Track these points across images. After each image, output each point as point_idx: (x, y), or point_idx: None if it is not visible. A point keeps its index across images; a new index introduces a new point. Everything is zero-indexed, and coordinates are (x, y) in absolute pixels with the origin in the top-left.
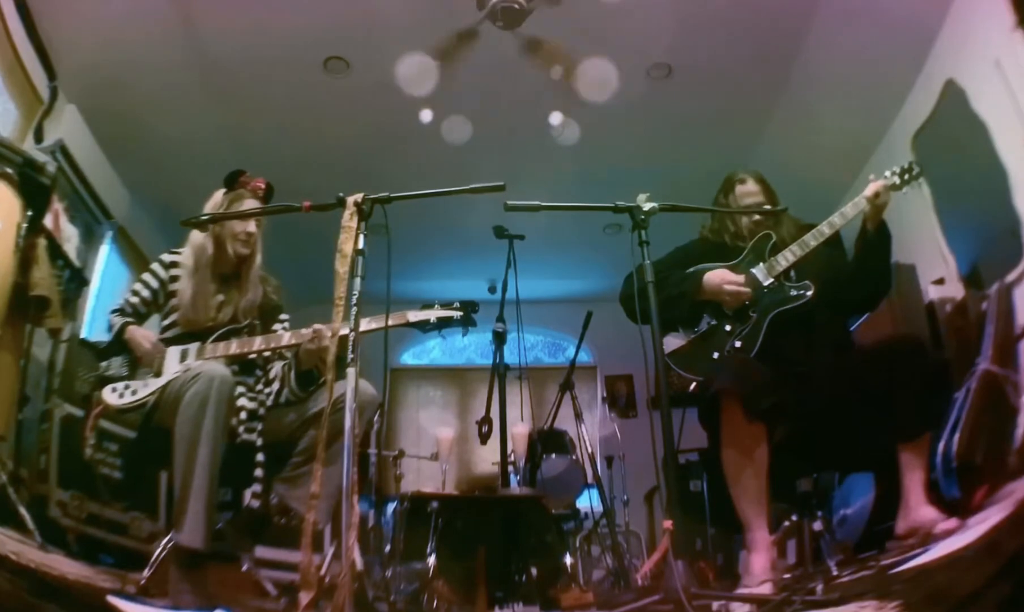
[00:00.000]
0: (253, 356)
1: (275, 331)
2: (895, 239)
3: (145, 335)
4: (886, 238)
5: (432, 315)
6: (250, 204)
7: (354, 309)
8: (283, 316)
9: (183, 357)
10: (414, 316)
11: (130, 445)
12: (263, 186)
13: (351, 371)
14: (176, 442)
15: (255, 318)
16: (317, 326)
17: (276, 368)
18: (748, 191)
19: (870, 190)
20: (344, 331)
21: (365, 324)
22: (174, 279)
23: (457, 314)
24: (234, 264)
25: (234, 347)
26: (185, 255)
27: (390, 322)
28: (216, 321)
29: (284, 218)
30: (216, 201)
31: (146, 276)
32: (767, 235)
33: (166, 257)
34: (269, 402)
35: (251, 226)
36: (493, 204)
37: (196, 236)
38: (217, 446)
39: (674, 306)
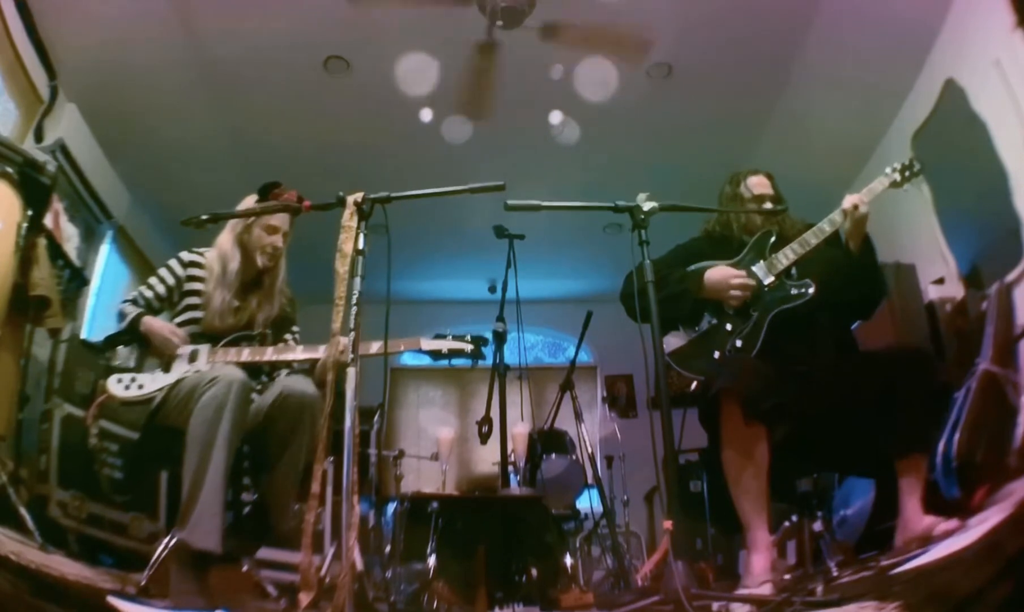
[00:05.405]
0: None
1: (285, 340)
2: (896, 239)
3: (169, 327)
4: (870, 252)
5: (444, 346)
6: (280, 219)
7: (354, 309)
8: (294, 327)
9: (192, 357)
10: (427, 344)
11: (132, 442)
12: (295, 198)
13: (351, 371)
14: (189, 443)
15: (268, 327)
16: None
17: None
18: (759, 182)
19: (847, 203)
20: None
21: (376, 347)
22: (191, 279)
23: (468, 347)
24: (256, 272)
25: (246, 354)
26: (211, 261)
27: (403, 346)
28: (231, 326)
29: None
30: (244, 208)
31: (163, 272)
32: (768, 232)
33: (185, 256)
34: None
35: (279, 241)
36: (493, 204)
37: (223, 243)
38: (231, 450)
39: (675, 304)
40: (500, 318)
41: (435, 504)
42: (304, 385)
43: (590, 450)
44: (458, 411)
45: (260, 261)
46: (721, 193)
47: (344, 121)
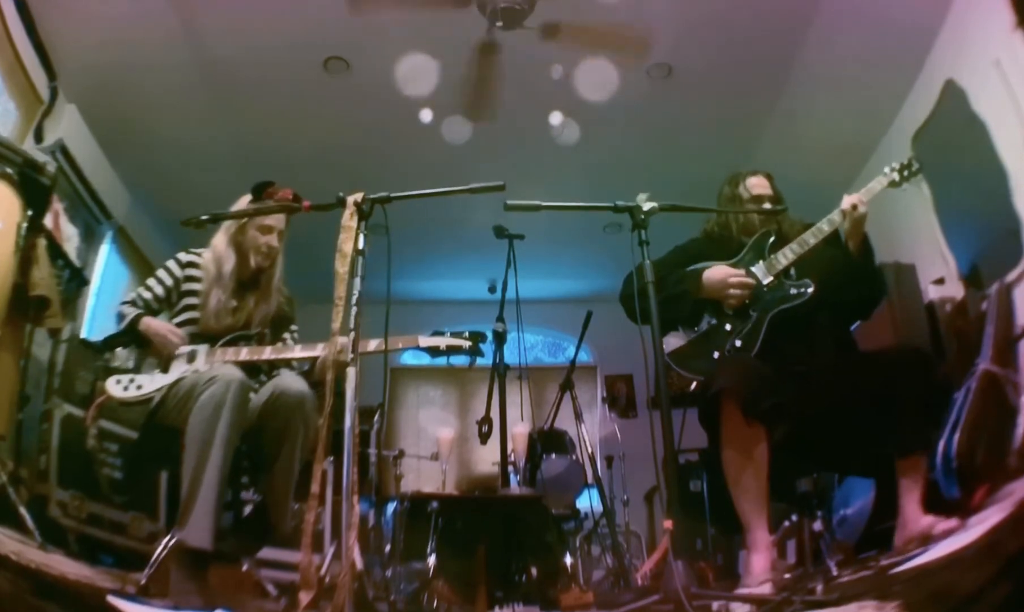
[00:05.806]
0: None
1: (284, 339)
2: (896, 239)
3: (169, 327)
4: (869, 252)
5: (442, 343)
6: (275, 218)
7: (354, 309)
8: (293, 327)
9: (191, 357)
10: (424, 341)
11: (131, 442)
12: (291, 197)
13: (351, 371)
14: (187, 442)
15: (266, 327)
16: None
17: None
18: (758, 183)
19: (846, 203)
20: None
21: (375, 345)
22: (189, 279)
23: (466, 344)
24: (251, 271)
25: (244, 353)
26: (207, 261)
27: (401, 343)
28: (228, 326)
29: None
30: (241, 208)
31: (161, 273)
32: (767, 233)
33: (183, 256)
34: None
35: (274, 240)
36: (493, 204)
37: (218, 244)
38: (229, 449)
39: (675, 305)
40: (500, 318)
41: (435, 504)
42: (296, 383)
43: (590, 450)
44: (458, 411)
45: (255, 261)
46: (720, 193)
47: (344, 121)
